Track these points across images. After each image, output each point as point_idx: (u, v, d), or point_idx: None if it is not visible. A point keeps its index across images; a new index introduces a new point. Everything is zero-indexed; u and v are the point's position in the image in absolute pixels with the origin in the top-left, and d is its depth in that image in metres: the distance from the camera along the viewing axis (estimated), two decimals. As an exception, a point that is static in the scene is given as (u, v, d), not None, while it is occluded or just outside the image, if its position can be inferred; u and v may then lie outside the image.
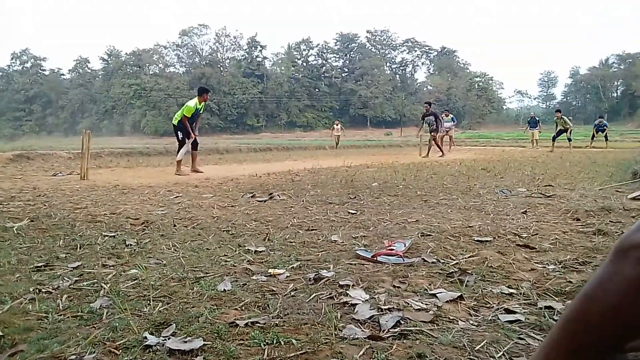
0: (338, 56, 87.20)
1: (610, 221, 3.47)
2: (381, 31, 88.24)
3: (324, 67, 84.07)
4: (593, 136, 20.04)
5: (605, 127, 19.95)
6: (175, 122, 8.78)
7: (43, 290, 1.90)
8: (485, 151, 18.50)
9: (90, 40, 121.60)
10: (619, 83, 78.36)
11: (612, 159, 11.17)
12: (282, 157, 14.89)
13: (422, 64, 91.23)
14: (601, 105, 75.82)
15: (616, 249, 0.76)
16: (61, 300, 1.78)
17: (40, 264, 2.29)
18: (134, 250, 2.63)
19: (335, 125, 23.17)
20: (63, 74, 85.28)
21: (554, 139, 17.29)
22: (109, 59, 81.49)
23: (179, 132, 8.63)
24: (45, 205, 4.27)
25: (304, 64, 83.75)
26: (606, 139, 19.46)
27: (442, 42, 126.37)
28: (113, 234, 3.03)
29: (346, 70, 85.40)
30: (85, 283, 2.01)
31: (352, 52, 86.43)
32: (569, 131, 17.05)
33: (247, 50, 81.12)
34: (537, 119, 20.87)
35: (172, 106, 70.58)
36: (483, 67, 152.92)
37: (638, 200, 4.48)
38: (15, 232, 3.05)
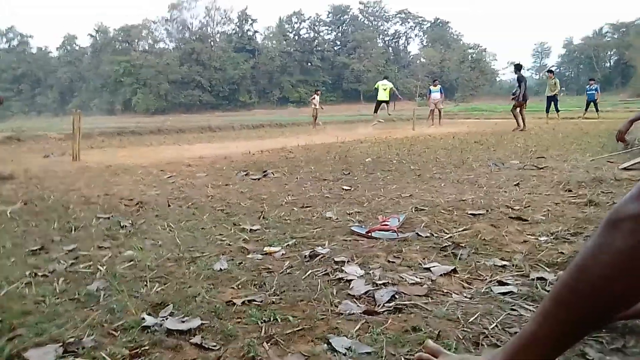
0: (330, 29, 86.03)
1: (601, 192, 3.50)
2: (374, 2, 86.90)
3: (316, 41, 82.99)
4: (587, 106, 19.82)
5: (595, 92, 19.24)
6: None
7: (39, 274, 1.91)
8: (478, 124, 18.49)
9: (78, 16, 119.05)
10: (612, 53, 77.96)
11: (604, 129, 11.20)
12: (276, 133, 14.84)
13: (415, 35, 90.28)
14: (594, 75, 75.51)
15: (607, 220, 0.77)
16: (58, 283, 1.78)
17: (35, 248, 2.29)
18: (129, 231, 2.64)
19: (315, 96, 19.67)
20: (51, 52, 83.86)
21: (547, 110, 17.16)
22: (97, 36, 79.99)
23: None
24: (37, 188, 4.25)
25: (296, 37, 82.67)
26: (597, 109, 19.23)
27: (436, 13, 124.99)
28: (107, 216, 3.03)
29: (338, 43, 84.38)
30: (81, 266, 2.01)
31: (344, 25, 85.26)
32: (556, 100, 16.71)
33: (238, 24, 79.86)
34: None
35: (162, 83, 69.81)
36: (476, 38, 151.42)
37: (629, 171, 4.51)
38: (9, 215, 3.04)
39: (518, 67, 13.64)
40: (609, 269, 0.74)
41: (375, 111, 17.90)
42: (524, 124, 12.86)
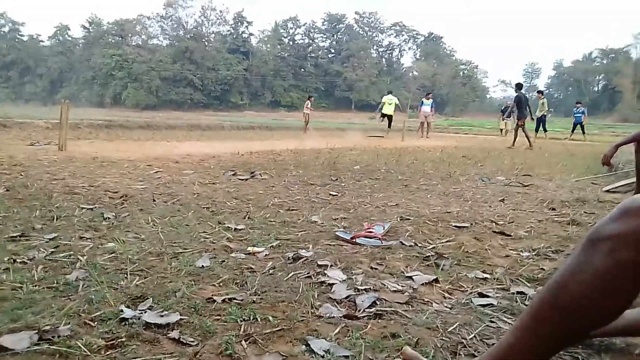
0: (325, 36, 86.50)
1: (584, 212, 3.56)
2: (370, 13, 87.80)
3: (311, 47, 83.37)
4: (574, 128, 20.11)
5: (582, 115, 19.54)
6: None
7: (18, 260, 1.88)
8: (467, 139, 18.67)
9: (72, 7, 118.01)
10: (600, 77, 79.47)
11: (589, 152, 11.38)
12: (265, 136, 14.81)
13: (409, 48, 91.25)
14: (582, 98, 76.73)
15: (587, 239, 0.78)
16: (36, 271, 1.76)
17: (15, 234, 2.25)
18: (112, 223, 2.61)
19: (308, 102, 20.02)
20: (42, 41, 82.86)
21: (536, 130, 17.30)
22: (90, 28, 79.32)
23: None
24: (21, 175, 4.18)
25: (291, 42, 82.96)
26: (583, 132, 19.55)
27: (430, 28, 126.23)
28: (91, 207, 2.99)
29: (333, 51, 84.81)
30: (61, 255, 1.99)
31: (339, 33, 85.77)
32: (544, 120, 16.95)
33: (233, 25, 79.90)
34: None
35: (154, 79, 69.39)
36: (469, 55, 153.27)
37: (612, 193, 4.59)
38: (-10, 201, 2.99)
39: (518, 86, 13.89)
40: (588, 287, 0.75)
41: (389, 126, 18.45)
42: (513, 142, 13.02)
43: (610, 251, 0.74)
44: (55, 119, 10.78)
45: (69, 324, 1.32)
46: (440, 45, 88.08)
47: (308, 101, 19.56)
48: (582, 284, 0.77)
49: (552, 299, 0.81)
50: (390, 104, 18.28)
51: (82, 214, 2.78)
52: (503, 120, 20.07)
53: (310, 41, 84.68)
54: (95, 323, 1.35)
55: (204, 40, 77.82)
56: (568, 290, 0.79)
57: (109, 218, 2.72)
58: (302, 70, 79.97)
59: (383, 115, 18.44)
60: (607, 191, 4.69)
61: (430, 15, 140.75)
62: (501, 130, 20.12)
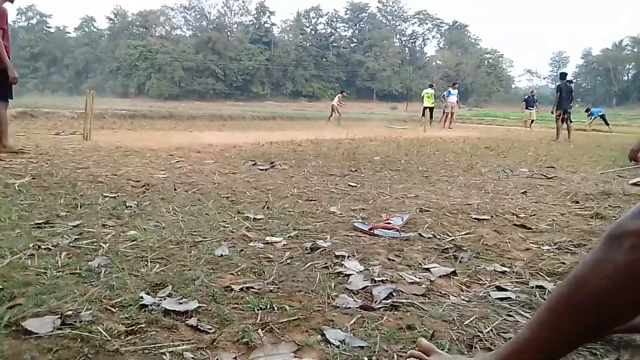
0: (347, 26, 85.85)
1: (609, 205, 3.48)
2: (393, 2, 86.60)
3: (333, 37, 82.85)
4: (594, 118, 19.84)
5: (592, 115, 19.74)
6: None
7: (42, 246, 1.93)
8: (490, 130, 18.39)
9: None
10: (630, 66, 77.11)
11: (616, 143, 11.10)
12: (286, 126, 14.84)
13: (433, 37, 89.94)
14: (611, 88, 74.84)
15: (609, 234, 0.76)
16: (60, 257, 1.80)
17: (40, 221, 2.31)
18: (134, 212, 2.65)
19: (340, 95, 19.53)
20: (69, 32, 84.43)
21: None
22: (115, 19, 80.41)
23: None
24: (47, 164, 4.29)
25: (313, 32, 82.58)
26: (606, 123, 19.30)
27: (454, 17, 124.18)
28: (114, 195, 3.05)
29: (355, 40, 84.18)
30: (84, 242, 2.03)
31: (362, 22, 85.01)
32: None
33: (255, 15, 79.98)
34: (535, 98, 19.73)
35: (177, 70, 70.05)
36: (494, 44, 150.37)
37: (638, 186, 4.47)
38: (17, 188, 3.08)
39: (561, 76, 13.51)
40: (610, 283, 0.73)
41: (424, 115, 18.89)
42: (557, 134, 12.70)
43: (633, 248, 0.72)
44: (80, 109, 11.00)
45: (91, 309, 1.36)
46: (464, 33, 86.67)
47: (340, 95, 19.52)
48: (602, 280, 0.75)
49: (572, 294, 0.80)
50: (429, 97, 19.07)
51: (105, 202, 2.84)
52: (528, 110, 19.47)
53: (333, 30, 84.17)
54: (116, 309, 1.38)
55: (226, 30, 78.16)
56: (588, 285, 0.78)
57: (131, 206, 2.77)
58: (324, 60, 79.61)
59: (425, 108, 19.00)
60: (634, 184, 4.57)
61: (455, 3, 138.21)
62: (525, 121, 19.61)
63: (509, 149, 8.60)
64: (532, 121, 19.26)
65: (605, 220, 2.97)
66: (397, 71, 76.51)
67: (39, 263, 1.72)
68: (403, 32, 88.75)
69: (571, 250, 2.30)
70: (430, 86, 20.25)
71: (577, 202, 3.59)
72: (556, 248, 2.32)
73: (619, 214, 3.11)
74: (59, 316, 1.29)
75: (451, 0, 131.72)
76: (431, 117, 18.92)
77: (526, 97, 20.18)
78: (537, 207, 3.34)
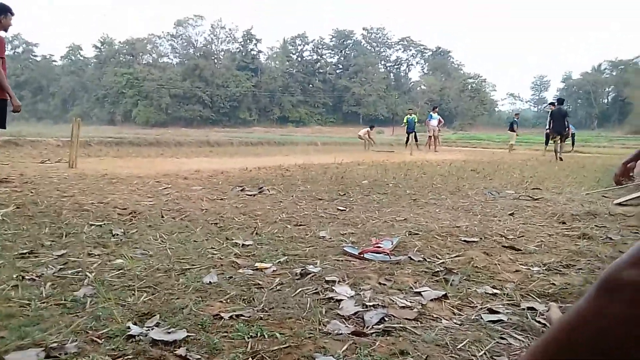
0: (333, 52, 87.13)
1: (595, 225, 3.52)
2: (377, 29, 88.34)
3: (319, 63, 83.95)
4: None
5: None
6: None
7: (26, 277, 1.88)
8: (476, 153, 18.60)
9: (84, 28, 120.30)
10: (610, 89, 79.02)
11: (600, 164, 11.28)
12: (274, 152, 14.86)
13: (417, 63, 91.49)
14: (592, 110, 76.50)
15: (603, 285, 0.72)
16: (44, 287, 1.76)
17: (24, 251, 2.26)
18: (121, 240, 2.62)
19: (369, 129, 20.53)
20: (55, 61, 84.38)
21: (546, 142, 16.99)
22: (102, 47, 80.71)
23: None
24: (32, 192, 4.23)
25: (299, 59, 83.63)
26: (573, 143, 19.34)
27: (437, 43, 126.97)
28: (100, 223, 3.01)
29: (341, 66, 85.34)
30: (69, 271, 1.99)
31: (347, 49, 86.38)
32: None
33: (242, 43, 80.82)
34: (516, 120, 19.62)
35: (164, 97, 70.22)
36: (477, 69, 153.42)
37: (623, 206, 4.54)
38: (1, 218, 3.02)
39: (558, 101, 14.30)
40: (605, 337, 0.70)
41: (415, 140, 19.30)
42: (556, 156, 13.23)
43: (632, 301, 0.68)
44: (66, 136, 10.92)
45: (76, 341, 1.32)
46: (447, 59, 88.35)
47: (369, 129, 20.10)
48: (598, 333, 0.70)
49: (564, 347, 0.75)
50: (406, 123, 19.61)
51: (91, 231, 2.80)
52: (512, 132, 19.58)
53: (319, 57, 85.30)
54: (102, 340, 1.35)
55: (213, 57, 78.76)
56: (580, 339, 0.73)
57: (117, 234, 2.73)
58: (311, 86, 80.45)
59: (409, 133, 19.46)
60: (618, 204, 4.64)
61: (438, 29, 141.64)
62: (510, 144, 19.70)
63: (495, 171, 8.69)
64: (511, 145, 19.27)
65: (592, 240, 3.00)
66: (382, 96, 77.49)
67: (23, 294, 1.68)
68: (388, 58, 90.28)
69: (561, 271, 2.31)
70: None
71: (563, 223, 3.62)
72: (546, 269, 2.33)
73: (606, 234, 3.14)
74: (43, 349, 1.25)
75: (434, 27, 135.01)
76: (415, 139, 19.18)
77: (512, 119, 20.31)
78: (525, 229, 3.36)
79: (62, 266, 2.07)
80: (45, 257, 2.21)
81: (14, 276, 1.87)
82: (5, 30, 5.13)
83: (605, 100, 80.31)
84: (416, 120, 19.84)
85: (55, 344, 1.28)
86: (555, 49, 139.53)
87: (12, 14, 5.16)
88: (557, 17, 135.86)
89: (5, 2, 5.12)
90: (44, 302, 1.62)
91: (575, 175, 8.08)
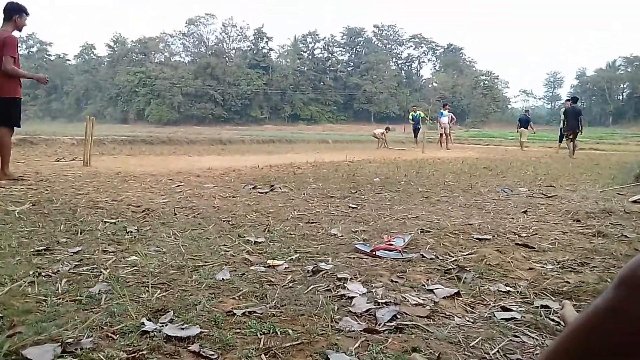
0: (344, 50, 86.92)
1: (610, 223, 3.47)
2: (388, 26, 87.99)
3: (330, 61, 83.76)
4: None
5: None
6: None
7: (43, 273, 1.91)
8: (488, 150, 18.46)
9: (97, 27, 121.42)
10: (625, 86, 77.88)
11: (615, 161, 11.14)
12: (285, 149, 14.89)
13: (428, 60, 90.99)
14: (606, 107, 75.47)
15: (620, 284, 0.70)
16: (60, 284, 1.79)
17: (40, 248, 2.30)
18: (134, 237, 2.64)
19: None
20: (69, 60, 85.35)
21: (560, 140, 16.75)
22: (114, 46, 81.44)
23: None
24: (47, 190, 4.29)
25: (310, 56, 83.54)
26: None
27: (449, 39, 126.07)
28: (114, 221, 3.04)
29: (352, 64, 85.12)
30: (84, 268, 2.02)
31: (358, 47, 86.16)
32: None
33: (253, 41, 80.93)
34: (529, 117, 19.54)
35: (176, 95, 70.66)
36: (489, 65, 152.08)
37: (639, 204, 4.47)
38: (17, 215, 3.07)
39: (572, 100, 14.91)
40: (625, 336, 0.68)
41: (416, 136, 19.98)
42: (572, 151, 13.83)
43: None
44: (80, 135, 11.05)
45: (92, 336, 1.34)
46: (460, 56, 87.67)
47: (385, 130, 19.77)
48: (620, 332, 0.69)
49: (583, 345, 0.74)
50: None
51: (106, 228, 2.83)
52: (518, 130, 19.34)
53: (330, 55, 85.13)
54: (117, 336, 1.37)
55: (225, 56, 79.06)
56: (602, 338, 0.71)
57: (131, 232, 2.76)
58: (322, 83, 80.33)
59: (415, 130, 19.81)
60: (634, 202, 4.57)
61: (450, 26, 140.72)
62: (520, 142, 19.39)
63: (508, 168, 8.62)
64: (522, 143, 18.96)
65: (607, 239, 2.96)
66: (393, 94, 77.13)
67: (39, 290, 1.71)
68: (399, 56, 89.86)
69: (575, 269, 2.29)
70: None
71: (578, 221, 3.58)
72: (560, 267, 2.31)
73: (621, 232, 3.10)
74: (59, 344, 1.27)
75: (446, 24, 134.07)
76: (415, 136, 19.68)
77: (521, 115, 20.13)
78: (539, 226, 3.33)
79: (77, 263, 2.10)
80: (60, 253, 2.24)
81: (30, 272, 1.90)
82: (20, 30, 5.20)
83: (620, 97, 79.17)
84: (422, 116, 20.13)
85: (71, 340, 1.30)
86: (569, 44, 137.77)
87: (27, 14, 5.23)
88: (572, 13, 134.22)
89: (20, 1, 5.18)
90: (59, 298, 1.64)
91: (590, 173, 7.99)
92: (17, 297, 1.63)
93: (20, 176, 5.10)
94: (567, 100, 17.05)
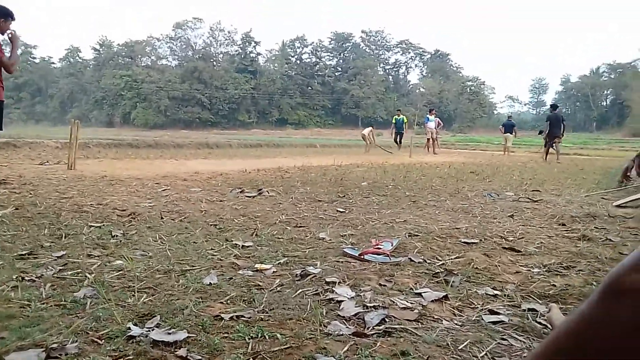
0: (332, 55, 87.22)
1: (595, 227, 3.52)
2: (376, 32, 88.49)
3: (318, 66, 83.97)
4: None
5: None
6: None
7: (26, 278, 1.88)
8: (475, 155, 18.62)
9: (82, 30, 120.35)
10: (608, 92, 79.17)
11: (599, 166, 11.31)
12: (273, 154, 14.86)
13: (415, 66, 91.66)
14: (590, 113, 76.65)
15: (609, 289, 0.69)
16: (44, 288, 1.76)
17: (24, 252, 2.26)
18: (120, 241, 2.61)
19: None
20: (54, 63, 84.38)
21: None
22: (100, 49, 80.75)
23: None
24: (31, 194, 4.22)
25: (298, 61, 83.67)
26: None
27: (436, 45, 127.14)
28: (99, 225, 3.00)
29: (339, 69, 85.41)
30: (69, 272, 1.99)
31: (346, 52, 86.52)
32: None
33: (241, 45, 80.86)
34: (513, 122, 19.74)
35: (163, 99, 70.24)
36: (475, 71, 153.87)
37: (623, 208, 4.54)
38: (0, 219, 3.01)
39: (552, 107, 15.47)
40: (612, 343, 0.68)
41: (400, 142, 19.85)
42: (545, 157, 14.53)
43: (638, 307, 0.66)
44: (64, 138, 10.91)
45: (77, 341, 1.32)
46: (446, 62, 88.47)
47: (372, 128, 19.78)
48: (604, 339, 0.68)
49: (572, 349, 0.73)
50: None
51: (91, 232, 2.80)
52: (504, 134, 19.49)
53: (317, 60, 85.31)
54: (103, 341, 1.34)
55: (212, 60, 78.81)
56: (586, 345, 0.71)
57: (117, 236, 2.73)
58: (309, 88, 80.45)
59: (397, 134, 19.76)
60: (618, 206, 4.64)
61: (437, 32, 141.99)
62: (504, 147, 19.52)
63: (494, 173, 8.70)
64: (508, 148, 19.02)
65: (592, 242, 3.00)
66: (381, 99, 77.52)
67: (23, 295, 1.67)
68: (386, 61, 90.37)
69: (561, 272, 2.31)
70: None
71: (563, 225, 3.62)
72: (546, 270, 2.33)
73: (605, 236, 3.15)
74: (43, 349, 1.25)
75: (433, 30, 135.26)
76: (399, 142, 19.55)
77: (506, 119, 20.38)
78: (525, 230, 3.36)
79: (61, 267, 2.06)
80: (44, 258, 2.20)
81: (14, 277, 1.87)
82: (2, 33, 5.13)
83: (604, 103, 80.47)
84: (405, 121, 20.06)
85: (55, 345, 1.28)
86: (553, 50, 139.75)
87: (13, 19, 5.16)
88: (555, 19, 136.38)
89: (6, 3, 5.11)
90: (44, 303, 1.61)
91: (575, 178, 8.10)
92: (0, 302, 1.60)
93: (3, 180, 5.02)
94: (551, 106, 17.26)
